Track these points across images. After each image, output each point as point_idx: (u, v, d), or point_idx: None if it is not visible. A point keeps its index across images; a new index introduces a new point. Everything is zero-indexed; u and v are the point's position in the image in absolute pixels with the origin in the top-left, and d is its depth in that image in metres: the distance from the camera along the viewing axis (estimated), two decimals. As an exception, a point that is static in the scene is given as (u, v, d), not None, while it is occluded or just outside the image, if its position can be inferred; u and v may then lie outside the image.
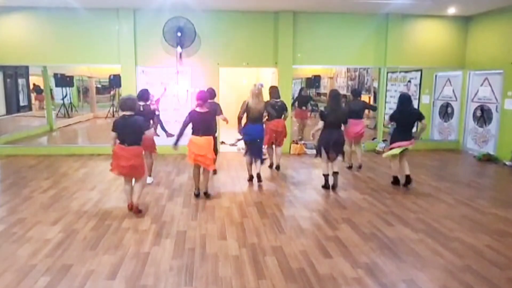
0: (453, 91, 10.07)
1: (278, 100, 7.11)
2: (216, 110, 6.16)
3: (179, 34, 8.49)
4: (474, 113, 9.45)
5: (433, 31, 9.49)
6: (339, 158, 6.18)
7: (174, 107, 8.87)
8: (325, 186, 6.18)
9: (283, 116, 7.13)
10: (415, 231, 4.52)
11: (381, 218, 4.93)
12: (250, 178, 6.56)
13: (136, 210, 4.98)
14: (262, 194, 5.93)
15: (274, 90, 7.22)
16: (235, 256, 3.87)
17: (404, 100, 6.17)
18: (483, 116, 9.18)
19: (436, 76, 10.54)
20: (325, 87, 16.47)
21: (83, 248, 4.00)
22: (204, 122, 5.43)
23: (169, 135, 6.12)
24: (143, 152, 5.89)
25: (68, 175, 7.03)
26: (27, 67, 11.50)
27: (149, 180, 6.27)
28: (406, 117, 6.09)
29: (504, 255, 3.93)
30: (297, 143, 9.35)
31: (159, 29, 8.55)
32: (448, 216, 5.04)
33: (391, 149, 6.18)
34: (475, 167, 8.18)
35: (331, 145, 5.95)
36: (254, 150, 6.44)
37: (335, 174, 6.15)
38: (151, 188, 6.16)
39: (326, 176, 6.18)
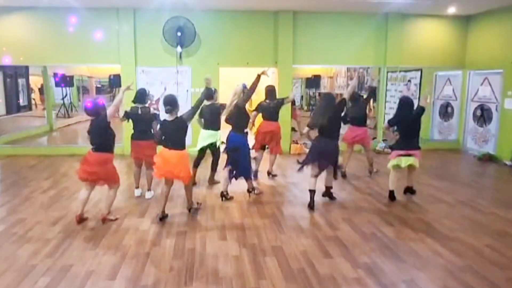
0: (453, 90, 10.07)
1: (272, 101, 6.51)
2: (218, 112, 5.88)
3: (179, 34, 8.49)
4: (474, 112, 9.45)
5: (433, 31, 9.49)
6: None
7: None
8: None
9: (278, 116, 6.55)
10: (415, 231, 4.52)
11: (381, 218, 4.93)
12: (221, 195, 5.63)
13: (103, 219, 4.64)
14: (262, 194, 5.92)
15: (269, 91, 6.59)
16: (235, 256, 3.87)
17: (405, 105, 5.48)
18: (483, 115, 9.18)
19: (436, 75, 10.54)
20: (325, 87, 16.46)
21: (83, 248, 4.00)
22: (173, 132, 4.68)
23: None
24: (143, 164, 5.65)
25: (68, 175, 7.03)
26: (27, 67, 11.50)
27: (148, 194, 5.71)
28: (407, 124, 5.42)
29: (504, 255, 3.94)
30: (297, 143, 9.35)
31: (159, 29, 8.56)
32: (448, 216, 5.04)
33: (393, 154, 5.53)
34: (475, 167, 8.18)
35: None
36: (233, 163, 5.48)
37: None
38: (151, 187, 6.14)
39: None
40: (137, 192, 5.76)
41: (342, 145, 5.91)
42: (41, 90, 14.81)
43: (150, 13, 8.55)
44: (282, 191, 6.14)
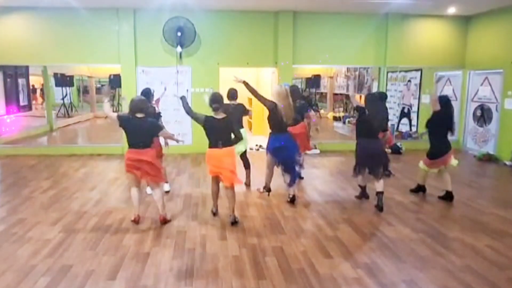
0: (453, 90, 10.07)
1: (294, 102, 6.25)
2: (242, 112, 6.03)
3: (179, 34, 8.49)
4: (474, 112, 9.45)
5: (433, 31, 9.49)
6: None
7: (174, 107, 8.85)
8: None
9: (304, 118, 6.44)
10: (415, 231, 4.52)
11: (381, 218, 4.93)
12: (267, 189, 5.78)
13: (162, 220, 4.66)
14: (263, 194, 5.92)
15: (293, 91, 6.19)
16: (235, 256, 3.87)
17: (448, 102, 5.46)
18: (483, 115, 9.18)
19: (436, 75, 10.53)
20: (325, 87, 16.47)
21: (83, 248, 4.00)
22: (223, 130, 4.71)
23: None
24: None
25: (68, 175, 7.03)
26: (27, 67, 11.50)
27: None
28: (447, 123, 5.42)
29: (504, 255, 3.94)
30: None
31: (159, 29, 8.56)
32: (448, 216, 5.04)
33: (431, 163, 5.58)
34: (475, 167, 8.17)
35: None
36: (283, 161, 5.40)
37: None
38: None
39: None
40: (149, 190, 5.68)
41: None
42: (34, 90, 14.74)
43: (150, 13, 8.55)
44: (282, 191, 6.12)
